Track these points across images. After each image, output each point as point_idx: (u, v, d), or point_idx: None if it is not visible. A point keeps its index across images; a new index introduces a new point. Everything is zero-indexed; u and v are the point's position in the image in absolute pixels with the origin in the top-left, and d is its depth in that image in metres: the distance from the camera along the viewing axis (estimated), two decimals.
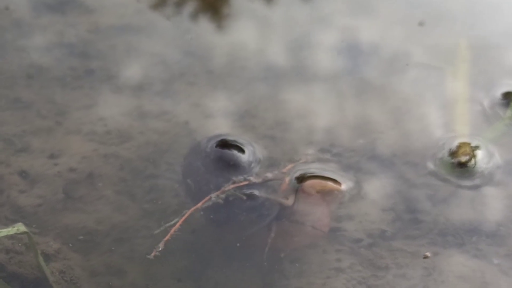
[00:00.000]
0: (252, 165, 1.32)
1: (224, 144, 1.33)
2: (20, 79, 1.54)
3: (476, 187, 1.37)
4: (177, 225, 1.25)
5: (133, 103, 1.51)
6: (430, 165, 1.40)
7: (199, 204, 1.25)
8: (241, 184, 1.27)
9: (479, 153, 1.40)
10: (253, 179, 1.28)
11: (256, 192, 1.27)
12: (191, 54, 1.62)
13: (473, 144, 1.41)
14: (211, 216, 1.27)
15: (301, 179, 1.34)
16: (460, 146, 1.40)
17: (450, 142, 1.42)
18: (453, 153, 1.39)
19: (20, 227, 1.23)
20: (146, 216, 1.34)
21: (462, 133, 1.44)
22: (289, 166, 1.37)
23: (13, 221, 1.31)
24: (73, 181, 1.37)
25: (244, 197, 1.25)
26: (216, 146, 1.32)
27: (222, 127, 1.47)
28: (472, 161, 1.38)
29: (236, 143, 1.33)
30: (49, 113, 1.48)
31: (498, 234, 1.31)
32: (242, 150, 1.33)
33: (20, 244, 1.28)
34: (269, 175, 1.30)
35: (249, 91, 1.55)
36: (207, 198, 1.25)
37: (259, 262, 1.27)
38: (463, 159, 1.38)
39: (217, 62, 1.61)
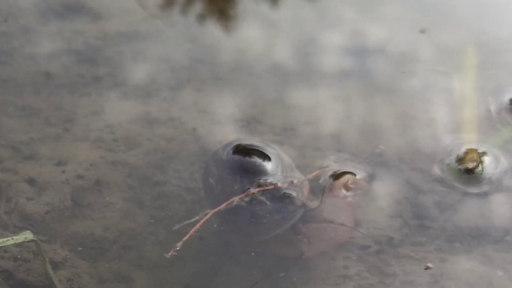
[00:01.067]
0: (277, 169, 1.30)
1: (247, 149, 1.31)
2: (27, 86, 1.55)
3: (483, 194, 1.36)
4: (198, 225, 1.24)
5: (141, 110, 1.51)
6: (437, 171, 1.40)
7: (222, 206, 1.24)
8: (267, 188, 1.26)
9: (487, 159, 1.39)
10: (279, 183, 1.27)
11: (280, 195, 1.26)
12: (198, 60, 1.63)
13: (480, 150, 1.40)
14: (232, 218, 1.26)
15: (331, 178, 1.35)
16: (467, 152, 1.40)
17: (458, 148, 1.42)
18: (460, 159, 1.39)
19: (28, 235, 1.24)
20: (154, 223, 1.34)
21: (469, 139, 1.43)
22: (315, 172, 1.37)
23: (21, 229, 1.31)
24: (80, 188, 1.37)
25: (268, 203, 1.24)
26: (240, 150, 1.30)
27: (230, 134, 1.47)
28: (479, 167, 1.38)
29: (261, 149, 1.32)
30: (57, 120, 1.49)
31: (505, 240, 1.30)
32: (267, 156, 1.31)
33: (28, 252, 1.28)
34: (296, 181, 1.29)
35: (256, 97, 1.55)
36: (230, 200, 1.24)
37: (267, 269, 1.27)
38: (470, 165, 1.37)
39: (224, 68, 1.61)
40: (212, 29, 1.71)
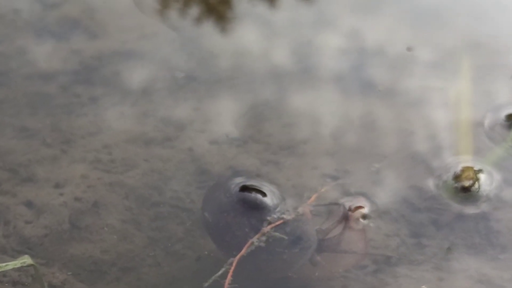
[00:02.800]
0: (278, 205, 1.30)
1: (247, 189, 1.31)
2: (25, 107, 1.55)
3: (480, 211, 1.37)
4: (229, 276, 1.22)
5: (137, 130, 1.52)
6: (434, 189, 1.40)
7: (243, 251, 1.23)
8: (277, 223, 1.26)
9: (483, 177, 1.40)
10: (286, 216, 1.27)
11: (293, 228, 1.26)
12: (194, 78, 1.63)
13: (476, 168, 1.41)
14: (251, 261, 1.24)
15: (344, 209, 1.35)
16: (463, 170, 1.40)
17: (454, 166, 1.43)
18: (456, 177, 1.40)
19: (26, 260, 1.24)
20: (152, 244, 1.34)
21: (465, 156, 1.44)
22: (313, 196, 1.37)
23: (20, 252, 1.31)
24: (78, 211, 1.37)
25: (285, 237, 1.24)
26: (240, 191, 1.30)
27: (226, 154, 1.48)
28: (476, 185, 1.38)
29: (257, 188, 1.32)
30: (54, 141, 1.49)
31: (502, 258, 1.31)
32: (264, 194, 1.31)
33: (27, 276, 1.29)
34: (300, 209, 1.29)
35: (252, 115, 1.56)
36: (249, 243, 1.23)
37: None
38: (467, 183, 1.38)
39: (220, 85, 1.62)
40: (209, 47, 1.72)
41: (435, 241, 1.34)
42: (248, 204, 1.26)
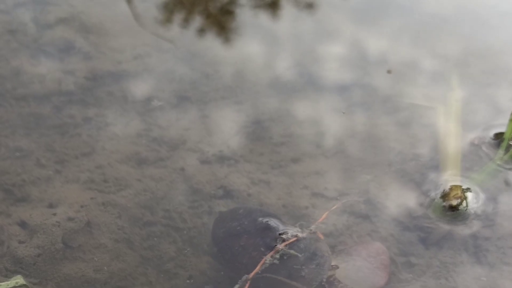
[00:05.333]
0: (285, 222, 1.32)
1: (257, 212, 1.33)
2: (19, 128, 1.57)
3: (468, 229, 1.38)
4: None
5: (130, 150, 1.53)
6: (423, 208, 1.42)
7: (257, 268, 1.24)
8: (291, 241, 1.27)
9: (470, 195, 1.41)
10: (300, 234, 1.28)
11: (306, 245, 1.27)
12: (185, 98, 1.65)
13: (464, 187, 1.42)
14: (268, 280, 1.25)
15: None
16: (451, 188, 1.42)
17: (442, 184, 1.44)
18: (444, 196, 1.41)
19: (19, 280, 1.26)
20: (144, 263, 1.36)
21: (453, 175, 1.45)
22: (324, 215, 1.39)
23: (13, 272, 1.33)
24: (71, 231, 1.39)
25: (300, 254, 1.26)
26: (250, 215, 1.31)
27: (218, 174, 1.49)
28: (464, 204, 1.40)
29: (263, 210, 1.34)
30: (48, 161, 1.50)
31: (490, 276, 1.32)
32: (273, 214, 1.32)
33: None
34: (313, 226, 1.31)
35: (244, 136, 1.57)
36: (262, 261, 1.25)
37: None
38: (454, 202, 1.39)
39: (211, 106, 1.63)
40: (200, 70, 1.73)
41: (424, 260, 1.35)
42: (262, 225, 1.28)
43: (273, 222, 1.28)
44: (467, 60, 1.73)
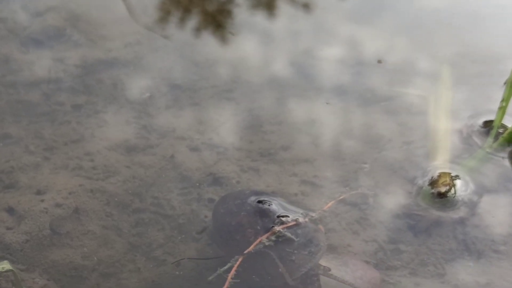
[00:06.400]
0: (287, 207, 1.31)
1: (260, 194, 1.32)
2: (8, 114, 1.56)
3: (456, 217, 1.38)
4: (233, 270, 1.22)
5: (120, 137, 1.53)
6: (412, 195, 1.42)
7: (251, 247, 1.23)
8: (290, 224, 1.26)
9: (459, 183, 1.41)
10: (300, 219, 1.27)
11: (304, 232, 1.26)
12: (176, 86, 1.64)
13: (453, 174, 1.42)
14: (263, 259, 1.24)
15: None
16: (440, 176, 1.41)
17: (431, 172, 1.44)
18: (433, 183, 1.41)
19: (5, 265, 1.25)
20: (132, 250, 1.35)
21: (442, 162, 1.45)
22: (330, 203, 1.39)
23: (0, 258, 1.32)
24: (59, 217, 1.38)
25: (296, 238, 1.25)
26: (254, 195, 1.31)
27: (207, 161, 1.49)
28: (452, 191, 1.39)
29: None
30: (36, 148, 1.50)
31: (478, 264, 1.32)
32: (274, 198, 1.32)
33: (7, 282, 1.29)
34: (313, 214, 1.30)
35: (236, 123, 1.57)
36: (258, 240, 1.24)
37: None
38: (443, 189, 1.39)
39: (202, 93, 1.63)
40: (191, 56, 1.73)
41: (413, 247, 1.35)
42: (263, 206, 1.27)
43: (274, 204, 1.27)
44: (458, 51, 1.73)
